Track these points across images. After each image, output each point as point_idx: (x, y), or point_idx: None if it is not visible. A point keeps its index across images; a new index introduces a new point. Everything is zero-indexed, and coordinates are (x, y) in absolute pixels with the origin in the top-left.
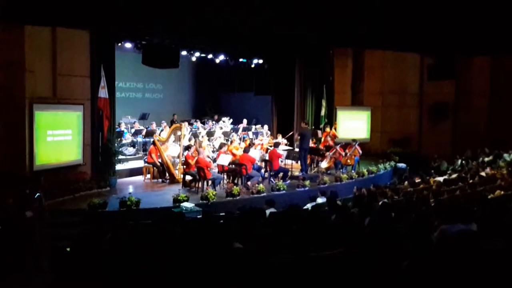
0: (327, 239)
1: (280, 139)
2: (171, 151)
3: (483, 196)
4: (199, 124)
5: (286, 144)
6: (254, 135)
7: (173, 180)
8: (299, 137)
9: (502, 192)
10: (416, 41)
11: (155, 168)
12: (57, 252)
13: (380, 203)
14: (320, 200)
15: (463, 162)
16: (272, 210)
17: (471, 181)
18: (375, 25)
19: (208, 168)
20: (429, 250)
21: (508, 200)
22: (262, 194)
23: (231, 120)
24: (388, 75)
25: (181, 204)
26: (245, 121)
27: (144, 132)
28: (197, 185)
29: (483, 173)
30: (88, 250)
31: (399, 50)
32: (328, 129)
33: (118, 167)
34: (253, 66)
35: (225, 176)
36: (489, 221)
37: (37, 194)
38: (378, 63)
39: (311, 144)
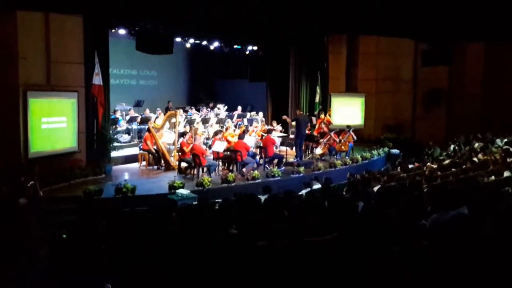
0: (322, 224)
1: (274, 125)
2: (166, 138)
3: (476, 181)
4: (194, 111)
5: (280, 131)
6: (248, 122)
7: (168, 167)
8: (294, 123)
9: (493, 177)
10: (410, 26)
11: (150, 155)
12: (53, 239)
13: (376, 188)
14: (315, 186)
15: (456, 148)
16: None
17: (464, 166)
18: (369, 11)
19: (203, 155)
20: (421, 235)
21: (500, 185)
22: (257, 181)
23: (226, 107)
24: (383, 61)
25: (177, 190)
26: (239, 108)
27: (139, 119)
28: (192, 172)
29: (475, 159)
30: (83, 237)
31: (393, 36)
32: (322, 116)
33: (113, 154)
34: (247, 52)
35: (220, 163)
36: (481, 206)
37: (31, 182)
38: (373, 49)
39: (306, 131)
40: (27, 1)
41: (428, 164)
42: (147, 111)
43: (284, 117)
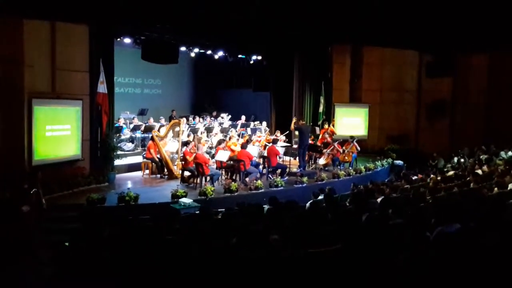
0: (325, 235)
1: (278, 135)
2: (170, 147)
3: (480, 194)
4: (197, 120)
5: (284, 141)
6: (252, 132)
7: (171, 176)
8: (297, 133)
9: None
10: (414, 38)
11: (153, 163)
12: (55, 247)
13: (379, 200)
14: (321, 197)
15: (460, 159)
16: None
17: (468, 178)
18: (374, 22)
19: (207, 164)
20: (426, 246)
21: (505, 197)
22: (260, 191)
23: (230, 116)
24: (387, 72)
25: (179, 199)
26: (243, 117)
27: (142, 128)
28: (195, 181)
29: (479, 171)
30: (86, 245)
31: (397, 47)
32: (326, 126)
33: (117, 162)
34: (251, 62)
35: (223, 172)
36: (486, 219)
37: (34, 189)
38: (377, 60)
39: (310, 141)
40: (33, 10)
41: (432, 175)
42: (151, 120)
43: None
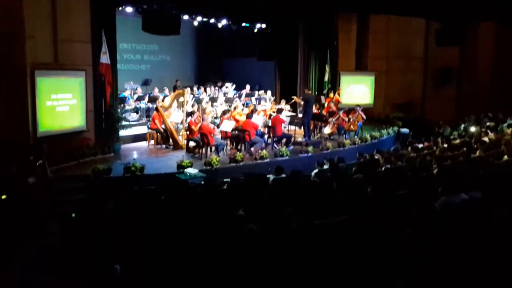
0: (331, 206)
1: (283, 105)
2: (174, 117)
3: (488, 162)
4: (202, 90)
5: (289, 110)
6: (257, 101)
7: (176, 146)
8: (302, 102)
9: (506, 158)
10: (422, 5)
11: (158, 134)
12: (62, 218)
13: (383, 169)
14: (326, 166)
15: (467, 127)
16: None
17: (474, 146)
18: None
19: (212, 134)
20: (432, 217)
21: None
22: (265, 160)
23: (234, 86)
24: (393, 39)
25: (185, 170)
26: (248, 86)
27: (147, 98)
28: (200, 151)
29: (486, 139)
30: (92, 215)
31: (404, 15)
32: (331, 95)
33: (122, 133)
34: (256, 30)
35: (228, 142)
36: (494, 188)
37: (40, 161)
38: (383, 27)
39: (314, 110)
40: None
41: (439, 143)
42: (156, 90)
43: (294, 97)
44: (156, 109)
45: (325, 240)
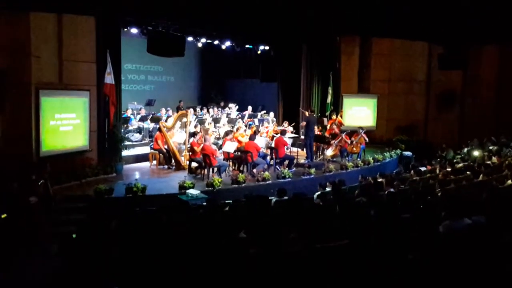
0: (333, 229)
1: (286, 126)
2: (177, 137)
3: (492, 186)
4: (205, 111)
5: (292, 132)
6: (259, 122)
7: (179, 167)
8: (304, 124)
9: (509, 182)
10: (424, 29)
11: (161, 154)
12: (63, 238)
13: (386, 192)
14: (329, 188)
15: (470, 151)
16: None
17: (478, 169)
18: (383, 13)
19: (214, 155)
20: (436, 242)
21: None
22: (267, 182)
23: (237, 106)
24: (396, 62)
25: (187, 191)
26: (250, 108)
27: (149, 118)
28: (202, 172)
29: (489, 162)
30: (93, 236)
31: (407, 39)
32: (334, 117)
33: (124, 153)
34: (259, 52)
35: (231, 164)
36: (498, 213)
37: (42, 180)
38: (386, 50)
39: (317, 132)
40: (40, 4)
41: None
42: (163, 110)
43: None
44: (159, 129)
45: (327, 264)
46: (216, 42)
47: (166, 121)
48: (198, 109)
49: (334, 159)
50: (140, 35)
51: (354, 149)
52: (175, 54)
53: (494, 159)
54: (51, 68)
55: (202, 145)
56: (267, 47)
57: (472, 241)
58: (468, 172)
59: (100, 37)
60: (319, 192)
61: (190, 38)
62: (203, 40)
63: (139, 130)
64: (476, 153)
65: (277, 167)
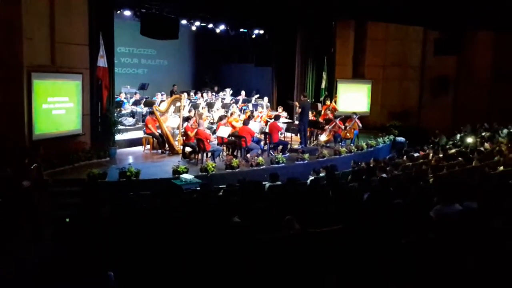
0: (326, 214)
1: (280, 111)
2: (171, 122)
3: (484, 172)
4: (199, 95)
5: (286, 117)
6: (253, 107)
7: (172, 151)
8: (299, 109)
9: (501, 168)
10: (420, 14)
11: (154, 138)
12: (56, 222)
13: (378, 177)
14: (323, 174)
15: (462, 137)
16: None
17: (470, 156)
18: None
19: (208, 140)
20: (428, 227)
21: (509, 176)
22: (261, 167)
23: (231, 91)
24: (391, 47)
25: (181, 175)
26: (243, 92)
27: (143, 102)
28: (196, 157)
29: (481, 148)
30: (87, 220)
31: (403, 23)
32: (328, 102)
33: (118, 137)
34: (253, 37)
35: (225, 148)
36: (490, 199)
37: (35, 164)
38: (381, 35)
39: (311, 117)
40: None
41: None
42: (159, 95)
43: (295, 103)
44: (151, 113)
45: (320, 248)
46: (210, 25)
47: (159, 105)
48: (192, 93)
49: (328, 145)
50: (133, 18)
51: (348, 134)
52: (169, 36)
53: (487, 145)
54: (43, 51)
55: (196, 130)
56: (261, 31)
57: (462, 226)
58: (460, 158)
59: (93, 20)
60: (312, 178)
61: (184, 22)
62: (197, 23)
63: (132, 114)
64: (469, 139)
65: (271, 152)
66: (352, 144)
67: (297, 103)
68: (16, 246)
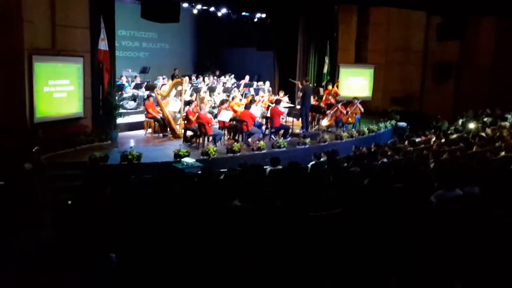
0: (327, 198)
1: (281, 96)
2: (172, 106)
3: (485, 157)
4: (200, 79)
5: (287, 102)
6: (255, 92)
7: (174, 135)
8: (301, 94)
9: (503, 153)
10: None
11: (156, 122)
12: (58, 205)
13: (379, 162)
14: (324, 158)
15: (464, 122)
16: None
17: (472, 141)
18: None
19: (209, 124)
20: (428, 212)
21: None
22: (262, 151)
23: (233, 75)
24: (393, 32)
25: (182, 159)
26: (247, 77)
27: (144, 86)
28: (198, 141)
29: (483, 134)
30: (89, 203)
31: (405, 8)
32: (330, 87)
33: (119, 120)
34: (255, 20)
35: (226, 132)
36: (491, 184)
37: (36, 147)
38: (383, 20)
39: (313, 102)
40: None
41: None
42: (160, 79)
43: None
44: (148, 97)
45: (320, 232)
46: (212, 8)
47: (160, 89)
48: (193, 77)
49: (329, 129)
50: (134, 1)
51: (350, 119)
52: (170, 20)
53: (488, 130)
54: (44, 34)
55: (197, 114)
56: (263, 15)
57: (463, 211)
58: (461, 144)
59: (94, 2)
60: (313, 162)
61: (185, 5)
62: (199, 6)
63: (133, 98)
64: (471, 125)
65: (272, 136)
66: (353, 129)
67: (299, 83)
68: (18, 229)
